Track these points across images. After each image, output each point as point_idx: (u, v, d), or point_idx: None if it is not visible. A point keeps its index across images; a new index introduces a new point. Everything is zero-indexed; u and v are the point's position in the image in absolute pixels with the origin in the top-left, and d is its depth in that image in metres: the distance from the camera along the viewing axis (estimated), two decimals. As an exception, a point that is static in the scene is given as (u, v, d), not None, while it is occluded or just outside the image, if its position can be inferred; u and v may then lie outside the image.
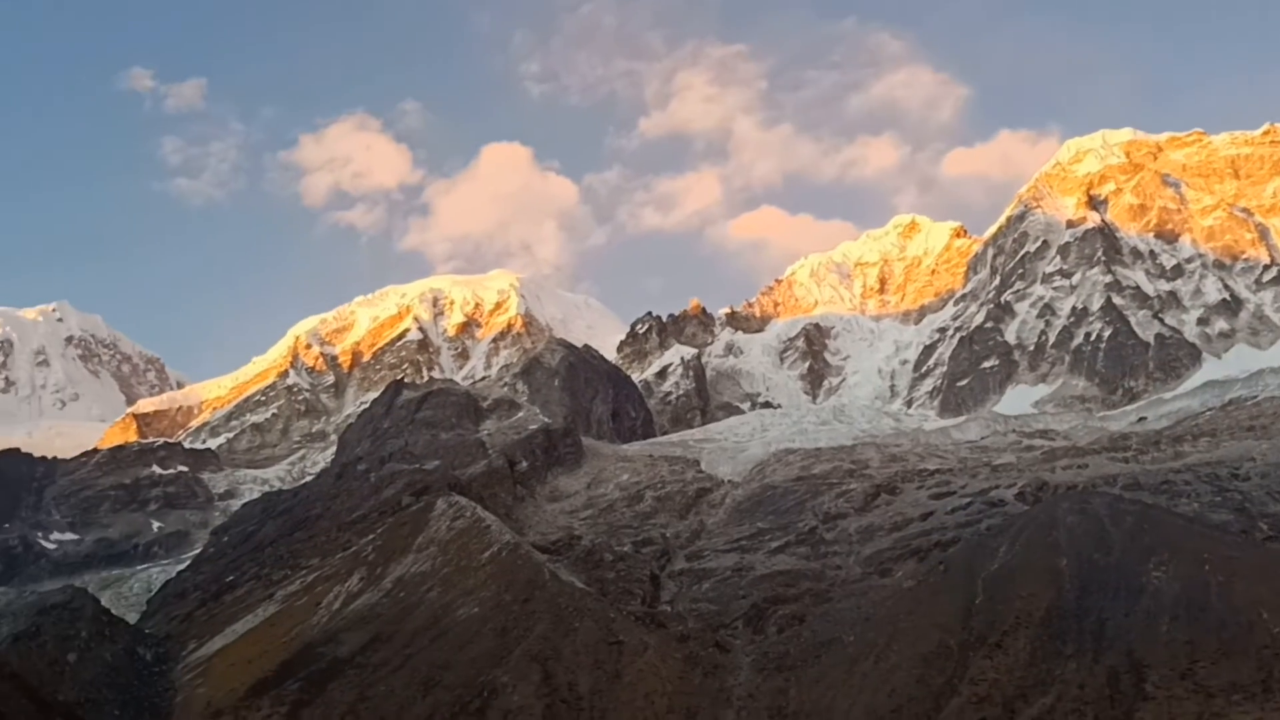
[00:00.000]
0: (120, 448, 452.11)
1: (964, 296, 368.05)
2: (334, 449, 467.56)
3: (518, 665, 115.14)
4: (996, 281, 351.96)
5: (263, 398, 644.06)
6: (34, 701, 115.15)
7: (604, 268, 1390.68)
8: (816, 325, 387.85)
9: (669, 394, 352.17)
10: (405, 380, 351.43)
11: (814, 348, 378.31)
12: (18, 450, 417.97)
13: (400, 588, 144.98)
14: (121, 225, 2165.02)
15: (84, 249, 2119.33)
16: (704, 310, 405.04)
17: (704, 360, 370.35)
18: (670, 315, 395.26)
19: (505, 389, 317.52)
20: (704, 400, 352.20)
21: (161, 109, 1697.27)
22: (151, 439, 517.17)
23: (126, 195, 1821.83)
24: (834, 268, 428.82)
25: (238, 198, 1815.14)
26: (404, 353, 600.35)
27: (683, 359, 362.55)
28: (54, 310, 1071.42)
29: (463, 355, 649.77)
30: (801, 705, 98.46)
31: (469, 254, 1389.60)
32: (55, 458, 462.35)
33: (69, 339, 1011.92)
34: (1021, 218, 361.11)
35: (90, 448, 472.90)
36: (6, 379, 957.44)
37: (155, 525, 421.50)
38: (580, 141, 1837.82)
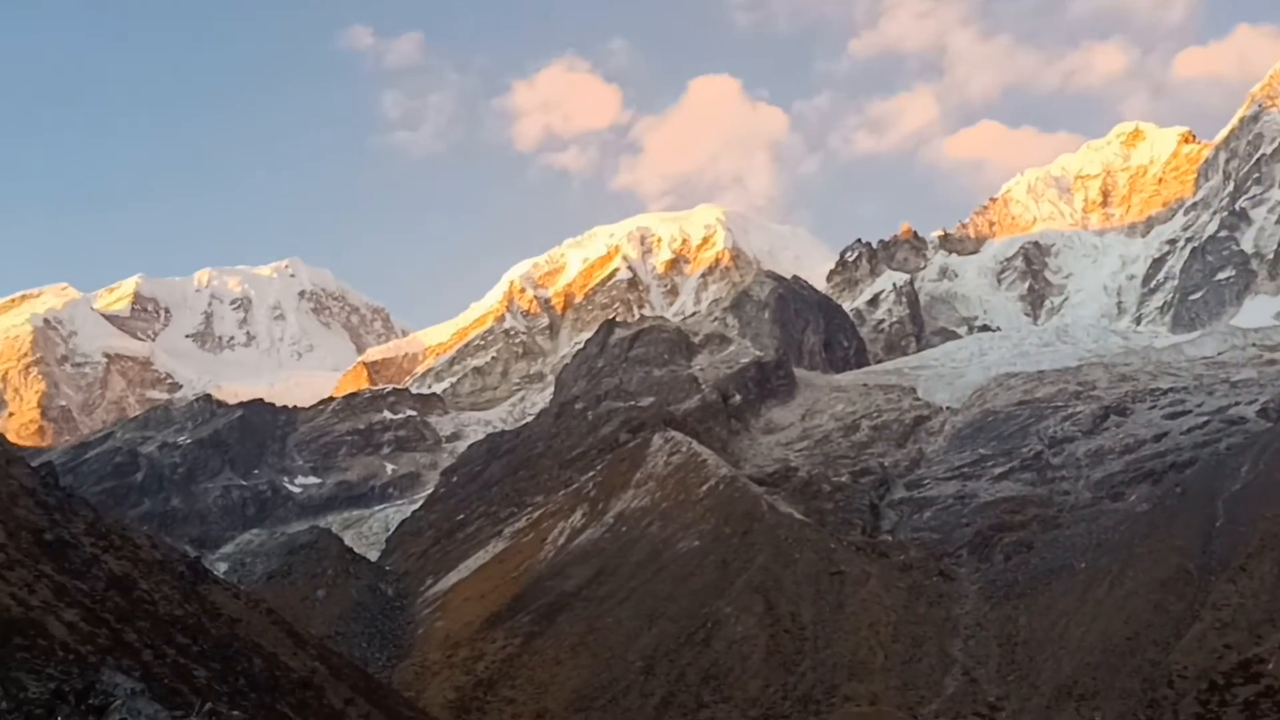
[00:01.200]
0: (353, 395, 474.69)
1: (1194, 205, 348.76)
2: (552, 389, 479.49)
3: (740, 596, 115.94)
4: (1230, 188, 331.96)
5: (482, 342, 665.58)
6: (290, 635, 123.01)
7: (815, 196, 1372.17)
8: (1035, 244, 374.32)
9: (881, 322, 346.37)
10: (617, 319, 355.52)
11: (1033, 267, 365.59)
12: (261, 401, 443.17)
13: (621, 523, 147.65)
14: (345, 181, 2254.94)
15: (312, 206, 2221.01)
16: (915, 234, 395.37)
17: (917, 285, 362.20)
18: (880, 241, 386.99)
19: (715, 324, 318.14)
20: (918, 326, 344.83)
21: (381, 65, 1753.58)
22: (381, 386, 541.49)
23: (349, 151, 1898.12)
24: (1052, 183, 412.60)
25: (455, 147, 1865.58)
26: (614, 292, 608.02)
27: (895, 285, 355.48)
28: (287, 267, 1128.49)
29: (672, 292, 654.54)
30: (1032, 633, 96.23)
31: (680, 190, 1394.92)
32: (295, 406, 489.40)
33: (301, 293, 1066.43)
34: (1256, 118, 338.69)
35: (326, 396, 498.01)
36: (248, 334, 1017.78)
37: (389, 468, 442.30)
38: (789, 69, 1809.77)
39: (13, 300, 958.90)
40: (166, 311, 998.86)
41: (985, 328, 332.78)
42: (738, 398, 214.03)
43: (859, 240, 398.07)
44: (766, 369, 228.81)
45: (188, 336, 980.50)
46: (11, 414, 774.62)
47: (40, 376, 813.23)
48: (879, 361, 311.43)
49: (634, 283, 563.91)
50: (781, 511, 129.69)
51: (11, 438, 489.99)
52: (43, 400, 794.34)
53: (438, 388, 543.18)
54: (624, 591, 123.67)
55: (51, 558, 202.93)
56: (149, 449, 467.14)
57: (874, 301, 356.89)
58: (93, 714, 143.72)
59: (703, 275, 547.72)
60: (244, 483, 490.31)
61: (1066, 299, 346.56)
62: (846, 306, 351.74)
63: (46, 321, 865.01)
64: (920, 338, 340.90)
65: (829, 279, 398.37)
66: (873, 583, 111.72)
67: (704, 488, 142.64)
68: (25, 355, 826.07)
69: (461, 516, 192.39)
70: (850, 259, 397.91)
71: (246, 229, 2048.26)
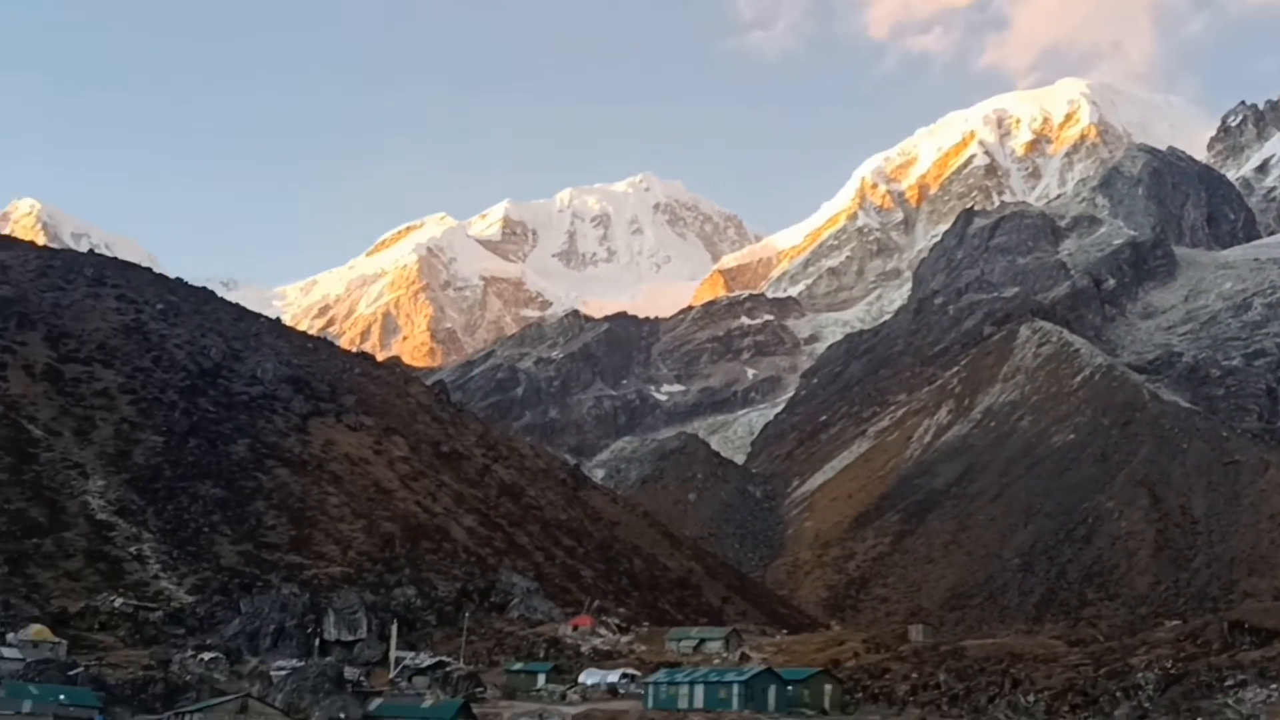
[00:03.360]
0: (711, 303, 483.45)
1: None
2: (909, 285, 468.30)
3: (1122, 490, 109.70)
4: None
5: (835, 242, 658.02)
6: (666, 536, 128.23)
7: (1199, 58, 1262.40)
8: None
9: (1273, 190, 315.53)
10: (975, 208, 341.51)
11: None
12: (625, 313, 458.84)
13: (990, 418, 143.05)
14: (696, 89, 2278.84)
15: (663, 118, 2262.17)
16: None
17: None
18: (1268, 102, 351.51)
19: (1083, 204, 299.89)
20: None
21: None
22: (737, 292, 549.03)
23: (700, 58, 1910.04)
24: None
25: (808, 41, 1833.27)
26: (971, 180, 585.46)
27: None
28: (641, 181, 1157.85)
29: (1033, 175, 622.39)
30: None
31: (1048, 65, 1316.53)
32: (656, 317, 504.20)
33: (656, 206, 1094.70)
34: None
35: (685, 305, 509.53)
36: (608, 249, 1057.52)
37: (749, 373, 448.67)
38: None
39: (399, 233, 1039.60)
40: (533, 233, 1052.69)
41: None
42: (1111, 282, 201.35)
43: (1242, 103, 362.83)
44: (1142, 249, 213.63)
45: (554, 256, 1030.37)
46: (405, 338, 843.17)
47: (427, 302, 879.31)
48: (1271, 233, 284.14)
49: (992, 168, 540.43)
50: (1165, 400, 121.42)
51: (406, 360, 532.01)
52: (431, 323, 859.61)
53: (793, 291, 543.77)
54: (996, 488, 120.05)
55: (449, 468, 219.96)
56: (526, 364, 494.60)
57: (1262, 168, 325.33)
58: (495, 610, 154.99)
59: (1067, 154, 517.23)
60: (614, 393, 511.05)
61: None
62: (1231, 176, 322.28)
63: (429, 250, 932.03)
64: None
65: (1209, 148, 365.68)
66: (1272, 472, 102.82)
67: (1077, 379, 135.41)
68: (413, 283, 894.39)
69: (824, 418, 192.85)
70: (1233, 124, 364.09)
71: (602, 146, 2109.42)
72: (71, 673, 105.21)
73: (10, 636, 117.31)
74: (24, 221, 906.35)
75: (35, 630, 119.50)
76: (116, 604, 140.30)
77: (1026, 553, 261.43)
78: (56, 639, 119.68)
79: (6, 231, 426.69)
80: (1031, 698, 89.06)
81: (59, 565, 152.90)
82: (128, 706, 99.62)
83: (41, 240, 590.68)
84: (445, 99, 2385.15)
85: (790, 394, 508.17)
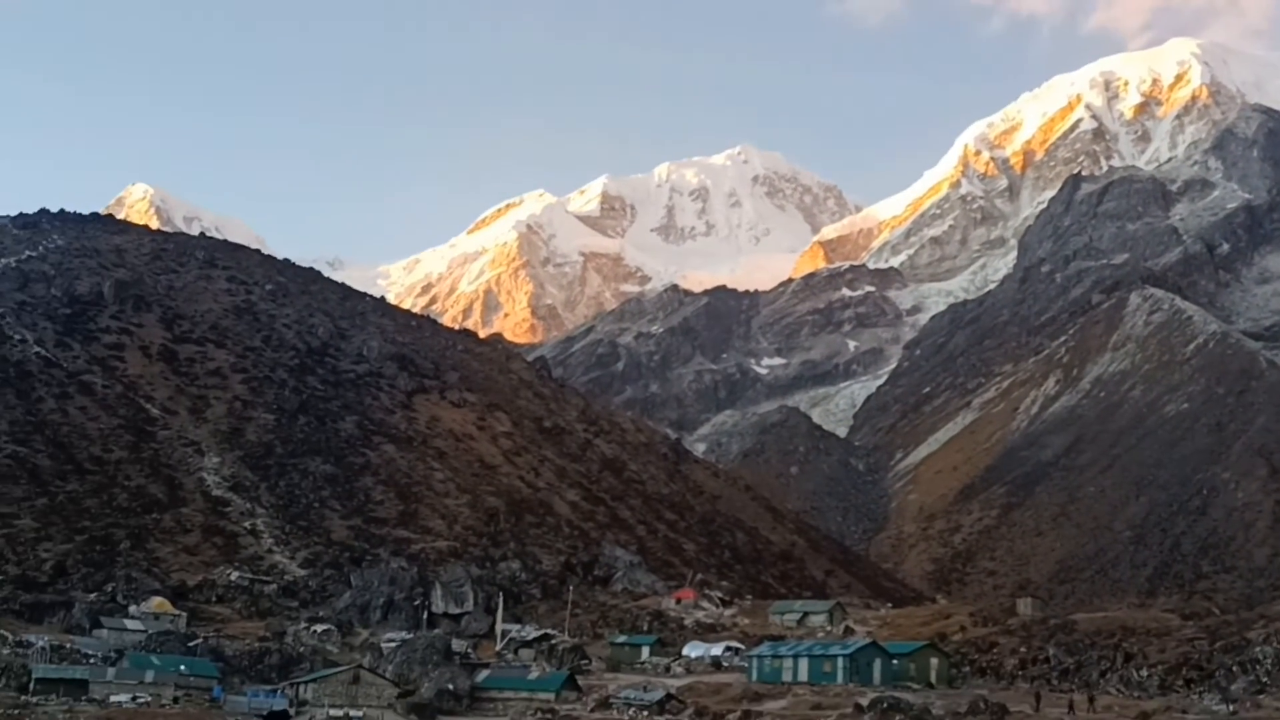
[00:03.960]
0: (811, 275, 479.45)
1: None
2: (1014, 254, 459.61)
3: (1239, 461, 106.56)
4: None
5: (937, 211, 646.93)
6: (768, 510, 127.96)
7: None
8: None
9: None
10: (1082, 173, 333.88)
11: None
12: (724, 287, 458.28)
13: (1099, 388, 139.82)
14: (794, 57, 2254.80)
15: (761, 87, 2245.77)
16: None
17: None
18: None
19: (1195, 168, 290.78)
20: None
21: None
22: (838, 263, 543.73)
23: (800, 25, 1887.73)
24: None
25: (913, 6, 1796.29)
26: (1078, 145, 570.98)
27: None
28: (739, 153, 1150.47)
29: (1143, 138, 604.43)
30: None
31: (1162, 23, 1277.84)
32: (756, 290, 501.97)
33: (755, 178, 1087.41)
34: None
35: (784, 278, 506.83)
36: (707, 223, 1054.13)
37: (851, 344, 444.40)
38: None
39: (499, 211, 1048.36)
40: (632, 208, 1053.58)
41: None
42: (1225, 246, 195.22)
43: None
44: (1258, 213, 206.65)
45: (652, 230, 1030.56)
46: (506, 314, 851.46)
47: (528, 278, 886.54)
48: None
49: (1099, 132, 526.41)
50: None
51: (508, 336, 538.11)
52: (531, 300, 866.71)
53: (895, 261, 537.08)
54: (1106, 459, 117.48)
55: (551, 443, 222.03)
56: (626, 339, 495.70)
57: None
58: (598, 584, 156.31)
59: (1177, 117, 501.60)
60: (714, 366, 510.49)
61: None
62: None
63: (529, 227, 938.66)
64: None
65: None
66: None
67: (1190, 346, 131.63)
68: (514, 260, 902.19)
69: (927, 389, 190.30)
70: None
71: (700, 119, 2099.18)
72: (191, 644, 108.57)
73: (133, 609, 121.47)
74: (138, 206, 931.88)
75: (156, 603, 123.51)
76: (233, 577, 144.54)
77: (1139, 525, 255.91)
78: (177, 611, 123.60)
79: (121, 216, 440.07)
80: (1144, 672, 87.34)
81: (177, 540, 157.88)
82: (245, 677, 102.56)
83: (155, 224, 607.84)
84: (543, 76, 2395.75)
85: (893, 366, 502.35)
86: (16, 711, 78.07)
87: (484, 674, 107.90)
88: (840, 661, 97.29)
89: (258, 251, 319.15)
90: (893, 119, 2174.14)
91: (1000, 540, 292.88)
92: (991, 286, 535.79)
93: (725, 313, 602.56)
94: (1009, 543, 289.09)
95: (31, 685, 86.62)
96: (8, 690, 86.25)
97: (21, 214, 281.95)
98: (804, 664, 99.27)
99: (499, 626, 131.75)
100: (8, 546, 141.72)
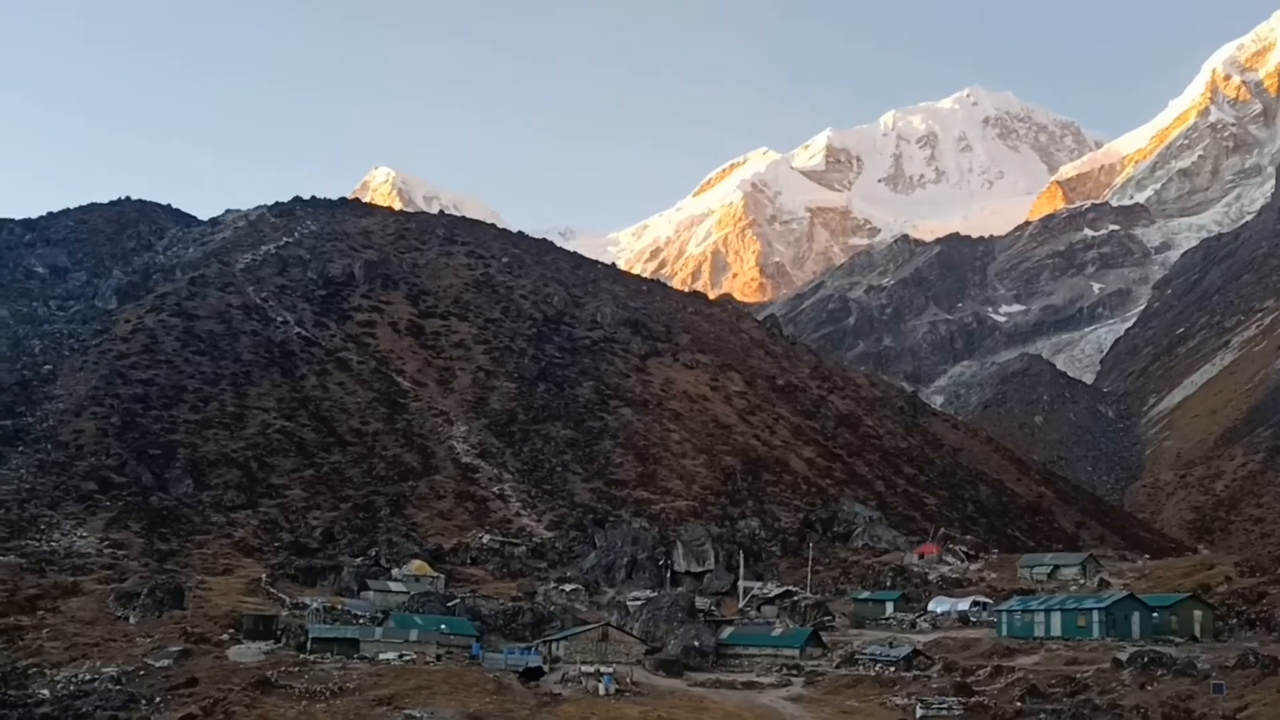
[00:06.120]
0: (1049, 216, 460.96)
1: None
2: (1272, 182, 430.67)
3: None
4: None
5: (1185, 141, 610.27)
6: (1012, 461, 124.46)
7: None
8: None
9: None
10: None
11: None
12: (957, 234, 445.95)
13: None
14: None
15: (986, 22, 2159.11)
16: None
17: None
18: None
19: None
20: None
21: None
22: (1078, 203, 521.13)
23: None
24: None
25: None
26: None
27: None
28: (968, 95, 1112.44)
29: None
30: None
31: None
32: (991, 236, 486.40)
33: (985, 120, 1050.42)
34: None
35: (1021, 221, 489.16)
36: (936, 170, 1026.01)
37: (1095, 287, 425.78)
38: None
39: (723, 171, 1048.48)
40: (857, 160, 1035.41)
41: None
42: None
43: None
44: None
45: (879, 181, 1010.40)
46: (735, 274, 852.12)
47: (755, 237, 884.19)
48: None
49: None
50: None
51: (737, 296, 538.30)
52: (759, 258, 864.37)
53: (1140, 197, 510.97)
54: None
55: (785, 401, 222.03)
56: (856, 293, 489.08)
57: None
58: (838, 540, 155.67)
59: None
60: (949, 317, 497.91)
61: None
62: None
63: (754, 186, 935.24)
64: None
65: None
66: None
67: None
68: (740, 219, 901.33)
69: (1181, 330, 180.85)
70: None
71: (924, 62, 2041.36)
72: (450, 604, 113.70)
73: (395, 571, 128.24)
74: (381, 189, 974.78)
75: (416, 565, 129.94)
76: (485, 540, 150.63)
77: None
78: (435, 573, 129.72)
79: (367, 200, 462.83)
80: None
81: (432, 505, 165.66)
82: (500, 635, 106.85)
83: (398, 205, 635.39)
84: (760, 33, 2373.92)
85: (1142, 307, 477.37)
86: (298, 669, 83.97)
87: (728, 631, 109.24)
88: (1095, 615, 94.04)
89: (493, 226, 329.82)
90: (1133, 46, 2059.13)
91: (1267, 486, 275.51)
92: (1248, 218, 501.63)
93: (959, 261, 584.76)
94: (1277, 488, 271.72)
95: (309, 644, 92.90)
96: (287, 648, 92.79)
97: (278, 203, 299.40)
98: (1056, 618, 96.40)
99: (741, 584, 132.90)
100: (282, 516, 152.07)
